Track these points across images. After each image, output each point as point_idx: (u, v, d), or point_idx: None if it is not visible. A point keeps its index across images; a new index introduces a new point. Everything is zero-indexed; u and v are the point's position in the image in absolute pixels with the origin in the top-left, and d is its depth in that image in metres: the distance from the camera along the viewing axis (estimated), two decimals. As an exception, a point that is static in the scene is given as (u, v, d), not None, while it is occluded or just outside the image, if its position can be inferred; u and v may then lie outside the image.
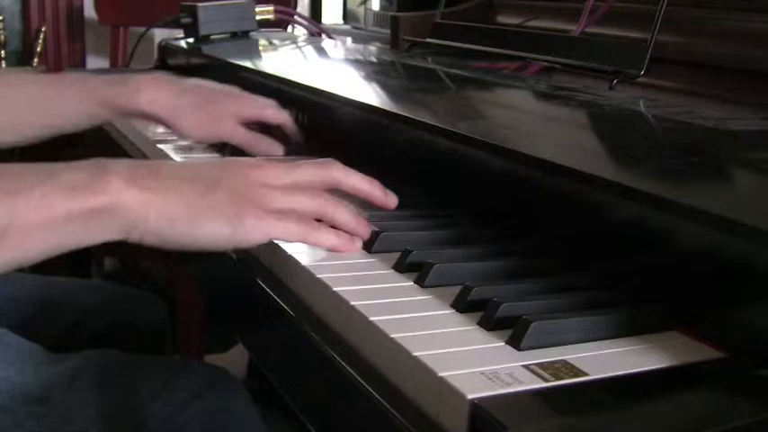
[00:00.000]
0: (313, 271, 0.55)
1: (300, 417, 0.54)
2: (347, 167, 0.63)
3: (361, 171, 0.75)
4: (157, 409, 0.79)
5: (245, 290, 0.64)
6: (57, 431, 0.77)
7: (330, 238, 0.59)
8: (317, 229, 0.59)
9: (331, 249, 0.60)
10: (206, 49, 1.30)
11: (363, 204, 0.65)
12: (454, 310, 0.49)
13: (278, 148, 0.88)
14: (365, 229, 0.61)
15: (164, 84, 0.91)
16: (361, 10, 1.72)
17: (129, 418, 0.80)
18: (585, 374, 0.41)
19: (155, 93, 0.89)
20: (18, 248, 0.54)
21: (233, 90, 0.93)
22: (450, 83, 0.96)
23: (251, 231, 0.57)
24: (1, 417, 0.76)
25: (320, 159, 0.63)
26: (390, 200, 0.65)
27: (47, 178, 0.55)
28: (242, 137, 0.89)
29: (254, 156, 0.87)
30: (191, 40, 1.37)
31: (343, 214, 0.61)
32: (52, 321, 1.00)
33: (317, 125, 0.91)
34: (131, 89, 0.89)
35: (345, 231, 0.61)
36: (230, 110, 0.90)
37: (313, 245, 0.59)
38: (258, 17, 1.41)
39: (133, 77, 0.92)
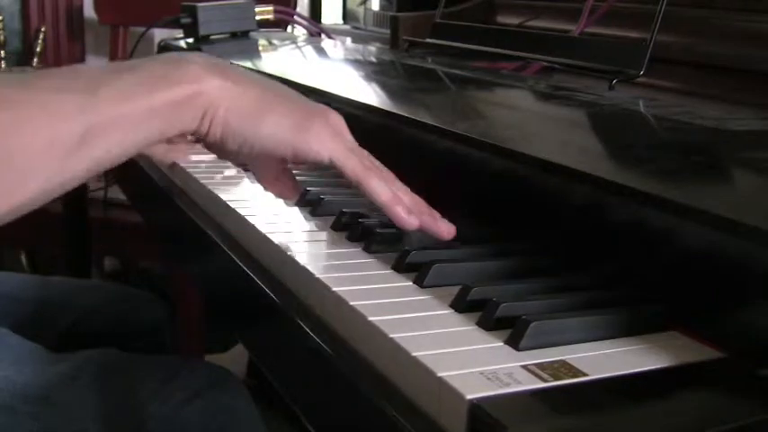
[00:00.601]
0: (313, 271, 0.55)
1: (300, 416, 0.54)
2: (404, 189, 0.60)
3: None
4: (157, 408, 0.80)
5: (245, 290, 0.64)
6: (57, 431, 0.77)
7: (386, 190, 0.57)
8: (377, 175, 0.57)
9: (383, 203, 0.57)
10: (206, 49, 1.29)
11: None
12: (453, 310, 0.49)
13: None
14: (405, 214, 0.58)
15: None
16: (360, 10, 1.72)
17: (129, 417, 0.80)
18: (585, 374, 0.41)
19: None
20: (103, 146, 0.52)
21: None
22: (450, 83, 0.96)
23: (315, 141, 0.57)
24: (1, 416, 0.77)
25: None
26: (444, 227, 0.59)
27: (124, 72, 0.54)
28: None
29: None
30: (190, 40, 1.37)
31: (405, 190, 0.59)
32: (52, 321, 1.00)
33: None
34: None
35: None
36: None
37: (365, 190, 0.57)
38: (258, 17, 1.40)
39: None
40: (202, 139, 0.57)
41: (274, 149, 0.57)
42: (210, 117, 0.55)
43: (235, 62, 1.13)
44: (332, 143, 0.58)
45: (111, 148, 0.52)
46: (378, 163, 0.61)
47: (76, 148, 0.50)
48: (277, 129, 0.57)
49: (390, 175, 0.60)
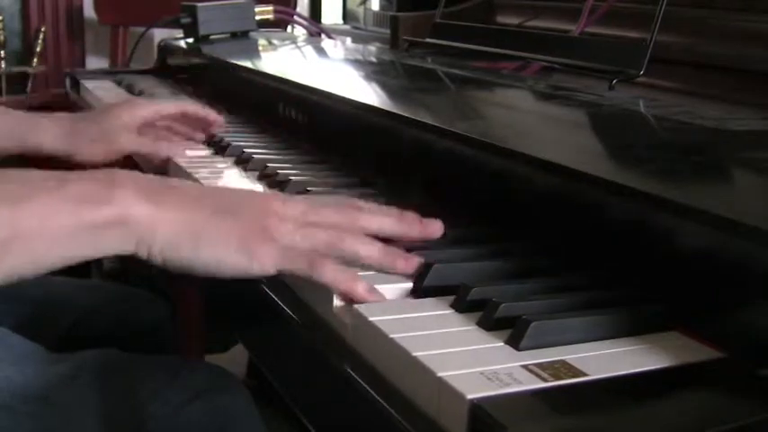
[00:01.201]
0: (313, 271, 0.55)
1: (300, 417, 0.54)
2: (371, 207, 0.58)
3: (359, 171, 0.75)
4: (157, 409, 0.79)
5: (245, 290, 0.64)
6: (57, 431, 0.77)
7: (330, 273, 0.53)
8: (321, 265, 0.53)
9: (333, 287, 0.53)
10: (205, 49, 1.29)
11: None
12: (454, 310, 0.49)
13: (180, 149, 0.92)
14: (402, 263, 0.55)
15: (59, 119, 0.95)
16: (360, 10, 1.72)
17: (129, 418, 0.80)
18: (585, 374, 0.41)
19: (53, 127, 0.93)
20: (22, 259, 0.52)
21: (124, 101, 0.99)
22: (450, 83, 0.96)
23: (257, 263, 0.54)
24: (1, 416, 0.76)
25: (341, 200, 0.59)
26: (431, 228, 0.59)
27: (53, 188, 0.53)
28: (138, 145, 0.93)
29: (157, 162, 0.91)
30: (190, 40, 1.37)
31: (363, 248, 0.55)
32: (52, 321, 0.99)
33: (317, 125, 0.92)
34: (34, 124, 0.93)
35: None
36: (120, 122, 0.93)
37: (316, 281, 0.54)
38: (258, 17, 1.41)
39: (36, 116, 0.96)
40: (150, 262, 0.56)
41: (217, 275, 0.56)
42: (147, 244, 0.54)
43: (235, 62, 1.14)
44: (275, 258, 0.54)
45: (34, 261, 0.52)
46: (329, 218, 0.57)
47: None
48: (216, 256, 0.55)
49: (355, 221, 0.57)
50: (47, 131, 0.92)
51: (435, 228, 0.59)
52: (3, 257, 0.51)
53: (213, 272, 0.56)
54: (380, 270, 0.55)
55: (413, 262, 0.55)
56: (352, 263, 0.55)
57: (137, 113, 0.93)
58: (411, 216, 0.59)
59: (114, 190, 0.54)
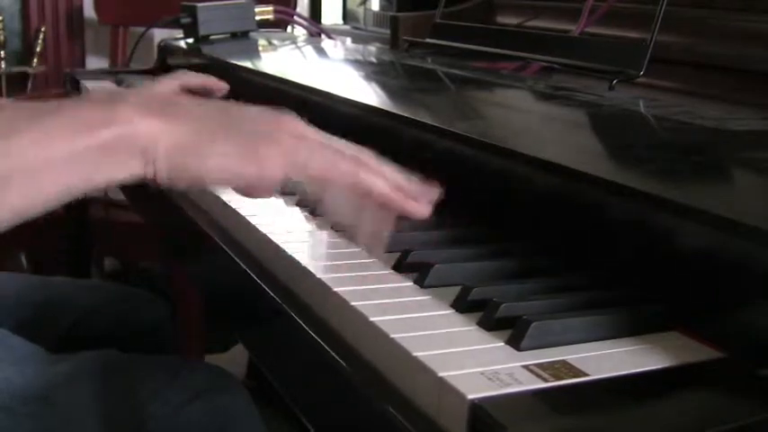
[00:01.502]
0: (313, 271, 0.55)
1: (300, 417, 0.54)
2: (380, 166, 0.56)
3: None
4: (157, 409, 0.79)
5: (245, 290, 0.64)
6: (57, 431, 0.77)
7: (348, 169, 0.52)
8: (340, 163, 0.53)
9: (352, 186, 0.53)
10: (205, 49, 1.29)
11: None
12: (454, 311, 0.49)
13: None
14: (413, 204, 0.55)
15: None
16: (360, 10, 1.72)
17: (129, 418, 0.80)
18: (585, 374, 0.41)
19: None
20: (23, 195, 0.49)
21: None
22: (450, 83, 0.96)
23: (264, 167, 0.53)
24: (1, 417, 0.76)
25: (351, 145, 0.57)
26: (420, 208, 0.56)
27: (50, 115, 0.51)
28: None
29: None
30: (190, 40, 1.37)
31: (379, 181, 0.54)
32: (52, 321, 0.99)
33: (317, 125, 0.91)
34: None
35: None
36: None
37: (340, 181, 0.53)
38: (258, 17, 1.41)
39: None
40: (156, 183, 0.54)
41: (224, 183, 0.55)
42: (152, 159, 0.52)
43: (235, 62, 1.14)
44: (283, 162, 0.53)
45: (37, 194, 0.50)
46: (343, 152, 0.56)
47: None
48: (222, 162, 0.53)
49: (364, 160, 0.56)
50: None
51: (422, 210, 0.56)
52: (4, 192, 0.49)
53: (219, 181, 0.55)
54: (388, 208, 0.54)
55: (424, 206, 0.55)
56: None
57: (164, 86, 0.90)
58: (409, 189, 0.56)
59: (113, 110, 0.52)
